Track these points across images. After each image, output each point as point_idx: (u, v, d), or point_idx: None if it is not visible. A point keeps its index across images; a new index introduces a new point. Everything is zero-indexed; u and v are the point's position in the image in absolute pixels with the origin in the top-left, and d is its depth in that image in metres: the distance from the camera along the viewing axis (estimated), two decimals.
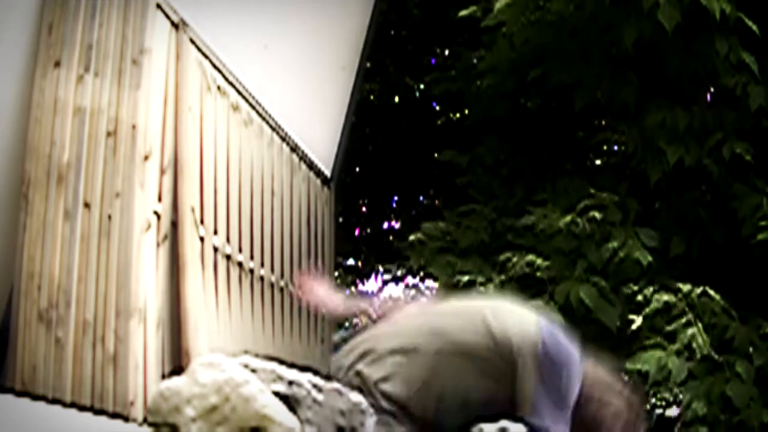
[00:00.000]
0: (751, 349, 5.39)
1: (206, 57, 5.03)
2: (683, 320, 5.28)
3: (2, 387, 4.02)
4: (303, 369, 2.61)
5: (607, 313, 5.49)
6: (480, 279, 5.75)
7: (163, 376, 4.02)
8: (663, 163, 5.73)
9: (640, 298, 5.40)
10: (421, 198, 10.34)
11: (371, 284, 12.16)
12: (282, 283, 5.87)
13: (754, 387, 5.29)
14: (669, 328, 5.31)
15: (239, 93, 5.43)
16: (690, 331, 5.22)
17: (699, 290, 5.35)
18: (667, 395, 5.39)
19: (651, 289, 5.43)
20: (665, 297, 5.33)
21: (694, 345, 5.18)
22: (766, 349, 5.40)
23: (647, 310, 5.36)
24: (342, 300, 2.99)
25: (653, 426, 7.42)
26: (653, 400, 5.40)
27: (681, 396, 5.34)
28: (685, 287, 5.36)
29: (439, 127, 9.78)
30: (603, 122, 6.74)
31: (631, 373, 5.45)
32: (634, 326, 5.37)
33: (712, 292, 5.34)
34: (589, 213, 5.62)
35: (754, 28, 5.49)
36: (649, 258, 5.51)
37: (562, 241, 5.61)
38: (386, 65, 9.77)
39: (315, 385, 2.52)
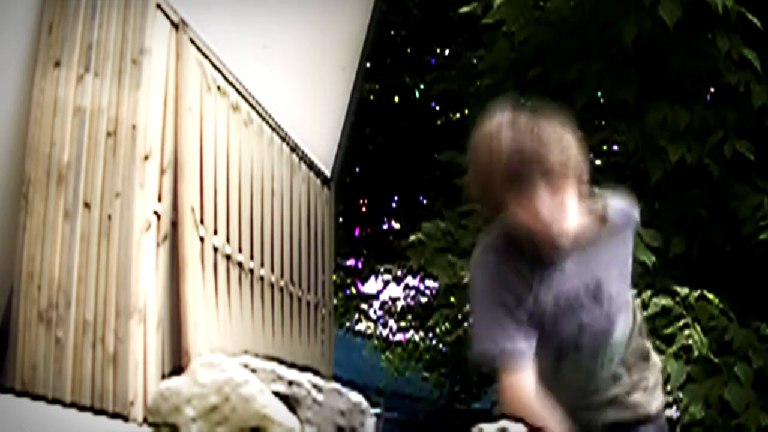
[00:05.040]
0: (750, 351, 5.38)
1: (206, 57, 5.03)
2: (681, 323, 5.27)
3: (2, 387, 4.02)
4: (303, 369, 2.61)
5: None
6: None
7: (163, 376, 4.02)
8: (664, 162, 5.72)
9: (638, 302, 5.38)
10: (421, 198, 10.35)
11: (371, 284, 12.17)
12: (282, 283, 5.87)
13: (752, 390, 5.28)
14: (667, 331, 5.30)
15: (239, 93, 5.43)
16: (688, 332, 5.22)
17: (697, 293, 5.34)
18: (667, 398, 5.38)
19: (649, 292, 5.42)
20: (663, 301, 5.32)
21: (693, 345, 5.17)
22: (765, 350, 5.39)
23: (645, 314, 5.36)
24: None
25: None
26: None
27: (681, 397, 5.33)
28: (683, 291, 5.35)
29: (439, 127, 9.79)
30: (603, 122, 6.73)
31: None
32: None
33: (710, 296, 5.33)
34: None
35: (756, 22, 5.47)
36: (653, 259, 5.50)
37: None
38: (386, 65, 9.78)
39: (315, 385, 2.52)
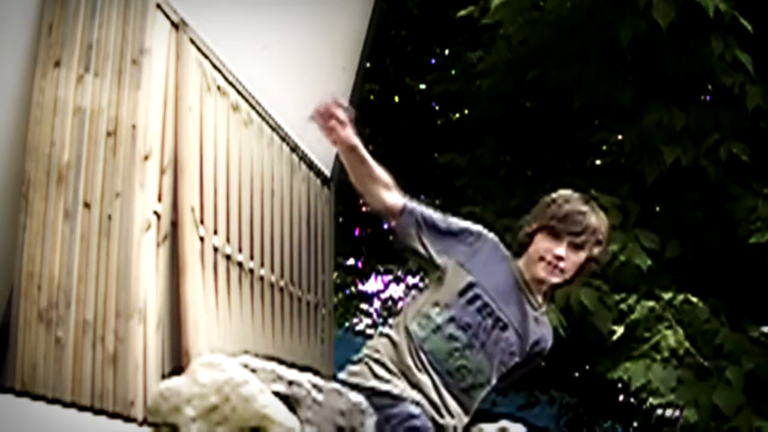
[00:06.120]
0: (741, 355, 5.38)
1: (206, 57, 5.03)
2: (663, 326, 5.28)
3: (2, 387, 4.02)
4: (303, 369, 2.61)
5: (603, 319, 5.50)
6: None
7: (163, 376, 4.03)
8: (660, 163, 5.73)
9: (624, 306, 5.40)
10: (422, 198, 10.34)
11: (371, 284, 12.17)
12: (282, 283, 5.87)
13: (742, 394, 5.28)
14: (649, 334, 5.31)
15: (239, 93, 5.44)
16: (673, 337, 5.22)
17: (682, 297, 5.34)
18: (660, 400, 5.39)
19: (635, 297, 5.43)
20: (649, 304, 5.33)
21: (678, 349, 5.18)
22: (756, 353, 5.39)
23: (630, 318, 5.36)
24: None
25: (653, 426, 7.43)
26: (651, 401, 5.40)
27: (675, 399, 5.33)
28: (668, 294, 5.36)
29: (439, 127, 9.79)
30: (601, 122, 6.74)
31: (618, 380, 5.46)
32: (615, 336, 5.38)
33: (695, 299, 5.34)
34: None
35: (748, 26, 5.49)
36: (649, 262, 5.51)
37: None
38: (386, 65, 9.77)
39: (315, 385, 2.52)
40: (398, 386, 2.83)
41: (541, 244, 2.89)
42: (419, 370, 2.84)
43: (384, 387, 2.82)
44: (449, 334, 2.85)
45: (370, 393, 2.80)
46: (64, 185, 4.24)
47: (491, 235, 3.00)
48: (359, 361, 2.93)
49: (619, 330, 5.34)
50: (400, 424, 2.77)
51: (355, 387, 2.80)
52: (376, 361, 2.89)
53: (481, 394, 2.93)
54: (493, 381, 2.92)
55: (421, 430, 2.78)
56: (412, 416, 2.79)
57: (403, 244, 2.98)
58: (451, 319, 2.86)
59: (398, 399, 2.81)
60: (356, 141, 2.93)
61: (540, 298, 2.98)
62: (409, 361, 2.85)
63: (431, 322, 2.86)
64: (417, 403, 2.81)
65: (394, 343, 2.90)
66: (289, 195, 6.12)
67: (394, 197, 2.97)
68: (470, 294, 2.87)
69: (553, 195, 2.97)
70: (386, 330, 2.98)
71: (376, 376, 2.85)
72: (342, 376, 2.91)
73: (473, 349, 2.86)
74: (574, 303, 5.46)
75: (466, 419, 2.95)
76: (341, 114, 2.89)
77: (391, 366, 2.86)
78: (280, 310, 5.80)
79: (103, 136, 4.28)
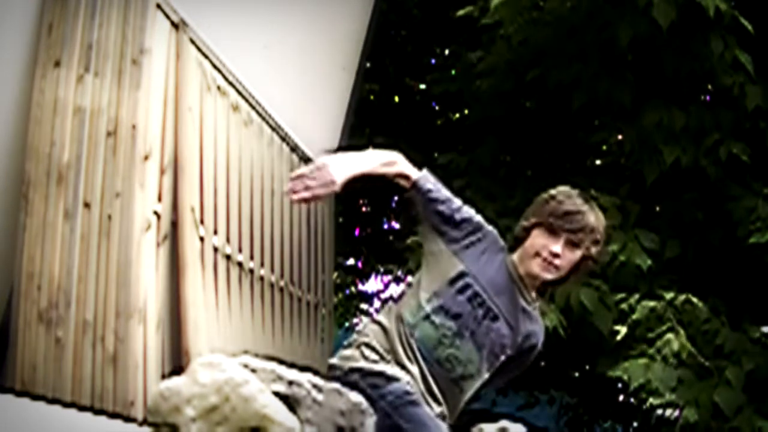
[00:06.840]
0: (741, 355, 5.38)
1: (206, 57, 5.03)
2: (665, 327, 5.28)
3: (2, 387, 4.02)
4: (303, 369, 2.61)
5: (603, 319, 5.50)
6: None
7: (163, 376, 4.03)
8: (660, 163, 5.73)
9: (624, 306, 5.40)
10: None
11: (371, 284, 12.17)
12: (282, 283, 5.87)
13: (742, 394, 5.28)
14: (652, 335, 5.31)
15: (239, 93, 5.43)
16: (676, 341, 5.22)
17: (683, 297, 5.35)
18: (660, 400, 5.40)
19: (635, 297, 5.44)
20: (650, 304, 5.33)
21: (681, 352, 5.18)
22: (756, 353, 5.40)
23: (631, 318, 5.37)
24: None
25: (653, 426, 7.44)
26: (651, 401, 5.41)
27: (676, 399, 5.33)
28: (669, 294, 5.36)
29: (439, 127, 9.79)
30: (601, 122, 6.74)
31: (618, 380, 5.47)
32: (618, 337, 5.38)
33: (695, 299, 5.35)
34: None
35: (748, 26, 5.50)
36: (649, 262, 5.51)
37: None
38: (386, 65, 9.77)
39: (315, 385, 2.53)
40: (389, 368, 2.85)
41: (538, 239, 2.90)
42: (408, 359, 2.85)
43: (377, 367, 2.84)
44: (438, 323, 2.86)
45: (363, 373, 2.82)
46: (64, 185, 4.24)
47: (490, 227, 3.01)
48: (350, 345, 2.94)
49: (622, 330, 5.34)
50: (398, 399, 2.78)
51: (347, 369, 2.84)
52: (367, 345, 2.90)
53: (472, 386, 2.92)
54: (484, 373, 2.92)
55: (420, 405, 2.79)
56: (408, 392, 2.80)
57: (410, 216, 3.09)
58: (441, 308, 2.87)
59: (392, 379, 2.82)
60: (349, 174, 2.94)
61: (533, 294, 2.98)
62: (399, 349, 2.87)
63: (422, 309, 2.88)
64: (408, 383, 2.83)
65: (384, 330, 2.91)
66: None
67: (409, 180, 3.02)
68: (461, 283, 2.87)
69: (553, 191, 2.97)
70: (378, 316, 2.99)
71: (367, 359, 2.86)
72: (333, 360, 2.93)
73: (463, 338, 2.86)
74: (574, 303, 5.46)
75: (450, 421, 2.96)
76: (319, 190, 2.99)
77: (381, 351, 2.87)
78: (280, 310, 5.80)
79: (103, 136, 4.28)
